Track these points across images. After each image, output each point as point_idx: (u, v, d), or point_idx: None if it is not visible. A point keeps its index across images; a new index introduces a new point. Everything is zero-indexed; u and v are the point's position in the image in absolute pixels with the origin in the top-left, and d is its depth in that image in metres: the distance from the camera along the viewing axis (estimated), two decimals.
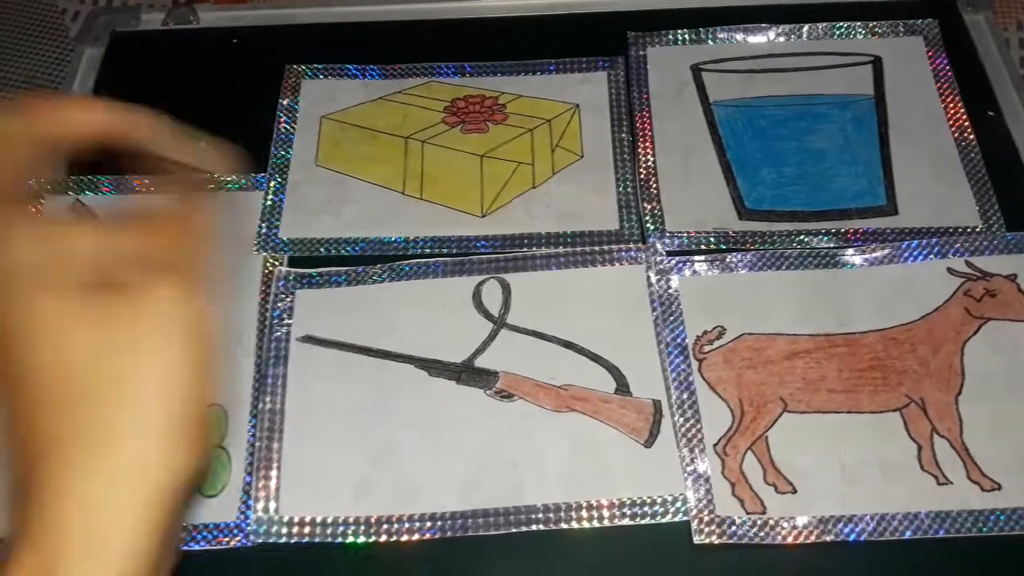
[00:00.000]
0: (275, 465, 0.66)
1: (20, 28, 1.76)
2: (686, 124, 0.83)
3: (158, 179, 0.37)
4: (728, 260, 0.74)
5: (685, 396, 0.67)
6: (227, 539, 0.63)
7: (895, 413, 0.66)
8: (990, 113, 0.83)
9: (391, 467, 0.66)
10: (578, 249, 0.75)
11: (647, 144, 0.82)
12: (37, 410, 0.33)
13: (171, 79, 0.90)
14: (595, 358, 0.70)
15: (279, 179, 0.81)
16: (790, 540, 0.62)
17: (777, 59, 0.87)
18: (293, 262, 0.76)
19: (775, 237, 0.76)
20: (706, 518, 0.62)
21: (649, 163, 0.81)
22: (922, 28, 0.88)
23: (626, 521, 0.63)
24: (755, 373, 0.68)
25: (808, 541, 0.62)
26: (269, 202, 0.79)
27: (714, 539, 0.62)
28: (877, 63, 0.86)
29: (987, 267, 0.72)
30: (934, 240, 0.74)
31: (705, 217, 0.77)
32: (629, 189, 0.79)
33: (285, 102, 0.86)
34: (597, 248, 0.75)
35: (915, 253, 0.73)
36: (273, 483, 0.65)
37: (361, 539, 0.63)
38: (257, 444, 0.66)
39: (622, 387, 0.69)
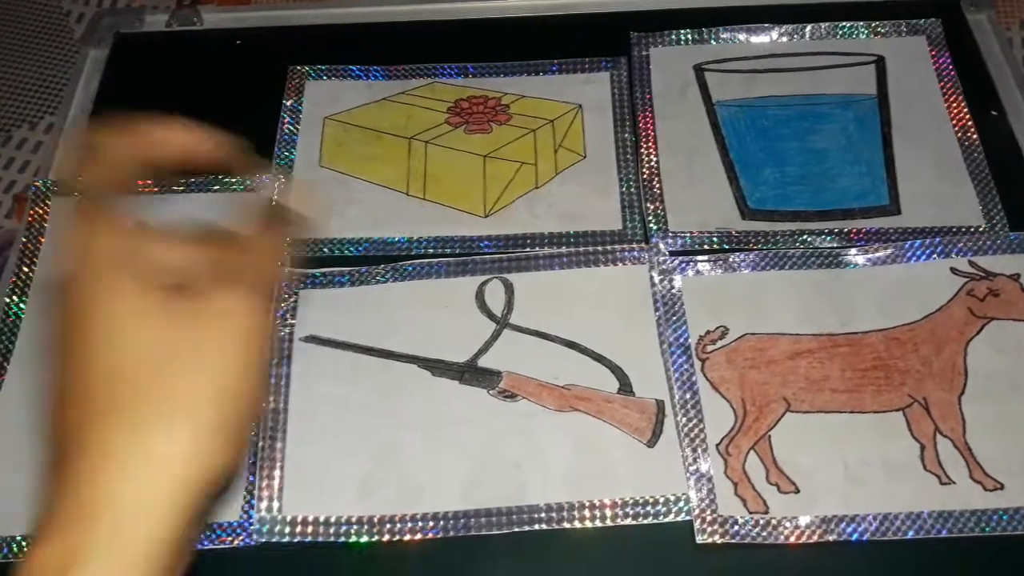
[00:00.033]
0: (278, 465, 0.66)
1: (25, 30, 1.76)
2: (689, 124, 0.83)
3: (248, 205, 0.41)
4: (731, 260, 0.74)
5: (688, 396, 0.67)
6: (230, 538, 0.63)
7: (898, 413, 0.66)
8: (993, 113, 0.83)
9: (394, 467, 0.66)
10: (581, 249, 0.75)
11: (650, 144, 0.82)
12: (90, 392, 0.34)
13: (175, 80, 0.90)
14: (598, 358, 0.70)
15: (283, 180, 0.81)
16: (793, 540, 0.62)
17: (780, 59, 0.87)
18: (296, 262, 0.76)
19: (778, 237, 0.76)
20: (709, 518, 0.62)
21: (652, 163, 0.81)
22: (925, 28, 0.88)
23: (629, 521, 0.63)
24: (758, 373, 0.68)
25: (811, 541, 0.62)
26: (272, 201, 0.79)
27: (717, 539, 0.62)
28: (880, 63, 0.86)
29: (990, 267, 0.72)
30: (937, 240, 0.74)
31: (708, 217, 0.77)
32: (632, 189, 0.79)
33: (289, 103, 0.86)
34: (600, 248, 0.75)
35: (918, 253, 0.73)
36: (276, 483, 0.65)
37: (364, 539, 0.63)
38: (260, 444, 0.66)
39: (625, 387, 0.69)
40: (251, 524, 0.64)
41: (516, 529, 0.63)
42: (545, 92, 0.87)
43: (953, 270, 0.72)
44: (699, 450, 0.65)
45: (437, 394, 0.69)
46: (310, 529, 0.63)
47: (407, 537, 0.63)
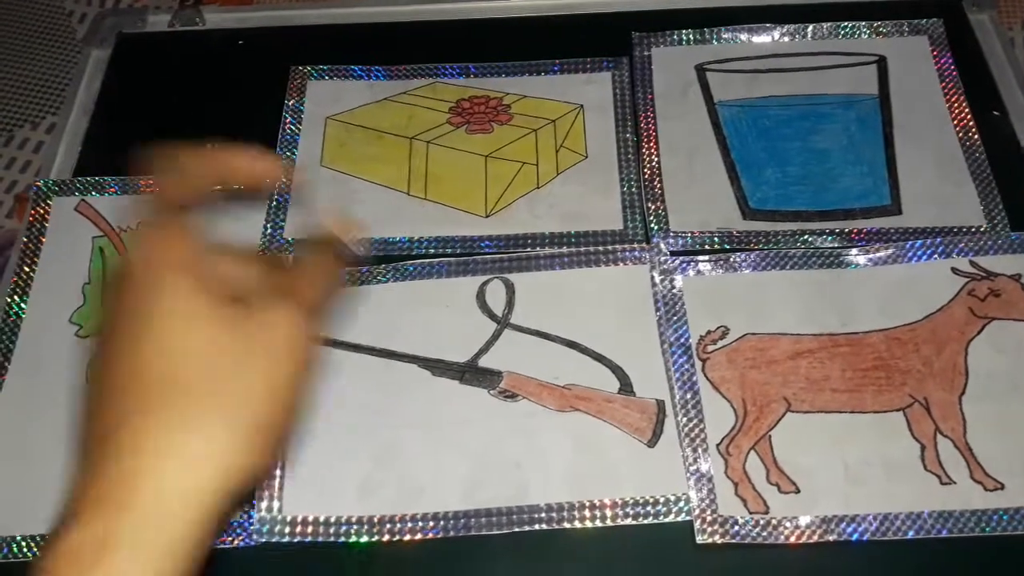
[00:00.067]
0: (278, 464, 0.66)
1: (27, 30, 1.77)
2: (690, 124, 0.83)
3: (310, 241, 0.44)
4: (732, 260, 0.74)
5: (688, 396, 0.67)
6: (230, 538, 0.63)
7: (898, 413, 0.66)
8: (995, 113, 0.82)
9: (394, 467, 0.66)
10: (582, 249, 0.75)
11: (651, 144, 0.82)
12: (137, 382, 0.36)
13: (177, 80, 0.90)
14: (599, 358, 0.70)
15: (284, 180, 0.81)
16: (793, 540, 0.62)
17: (781, 59, 0.87)
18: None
19: (779, 237, 0.76)
20: (709, 518, 0.62)
21: (653, 163, 0.81)
22: (927, 28, 0.88)
23: (629, 521, 0.63)
24: (759, 373, 0.68)
25: (811, 541, 0.62)
26: (274, 202, 0.79)
27: (717, 539, 0.62)
28: (882, 63, 0.86)
29: (991, 267, 0.72)
30: (938, 240, 0.74)
31: (709, 217, 0.77)
32: (633, 189, 0.79)
33: (291, 103, 0.87)
34: (601, 248, 0.75)
35: (919, 253, 0.73)
36: (276, 482, 0.65)
37: (364, 539, 0.63)
38: None
39: (626, 387, 0.69)
40: (251, 524, 0.64)
41: (516, 529, 0.63)
42: (547, 92, 0.87)
43: (954, 270, 0.72)
44: (699, 450, 0.65)
45: (438, 394, 0.69)
46: (310, 529, 0.64)
47: (407, 537, 0.63)
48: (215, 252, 0.40)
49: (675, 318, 0.71)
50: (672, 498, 0.64)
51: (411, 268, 0.75)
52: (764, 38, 0.88)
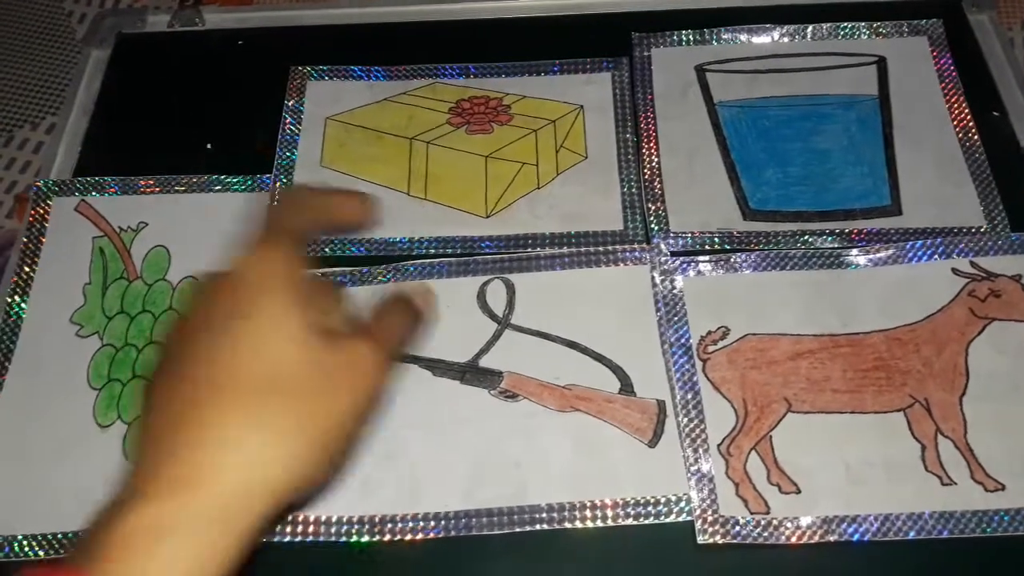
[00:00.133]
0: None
1: (27, 30, 1.76)
2: (690, 125, 0.83)
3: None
4: (732, 260, 0.74)
5: (689, 396, 0.67)
6: None
7: (899, 413, 0.66)
8: (995, 113, 0.83)
9: (395, 466, 0.66)
10: (582, 249, 0.75)
11: (651, 145, 0.82)
12: (220, 379, 0.38)
13: (177, 80, 0.90)
14: (599, 358, 0.70)
15: (284, 180, 0.81)
16: (794, 540, 0.62)
17: (781, 59, 0.87)
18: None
19: (779, 237, 0.76)
20: (710, 518, 0.62)
21: (653, 164, 0.81)
22: (926, 28, 0.88)
23: (630, 521, 0.63)
24: (759, 373, 0.68)
25: (812, 541, 0.62)
26: (276, 202, 0.79)
27: (718, 539, 0.62)
28: (881, 63, 0.86)
29: (991, 267, 0.72)
30: (938, 240, 0.74)
31: (709, 217, 0.77)
32: (633, 190, 0.79)
33: (290, 103, 0.87)
34: (601, 248, 0.75)
35: (919, 253, 0.73)
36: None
37: (365, 538, 0.63)
38: None
39: (626, 387, 0.69)
40: None
41: (517, 529, 0.63)
42: (547, 92, 0.87)
43: (954, 271, 0.72)
44: (700, 450, 0.65)
45: (438, 394, 0.69)
46: (311, 529, 0.63)
47: (408, 537, 0.63)
48: (318, 285, 0.44)
49: (675, 318, 0.71)
50: (673, 498, 0.64)
51: (411, 268, 0.75)
52: (764, 39, 0.88)
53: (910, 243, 0.74)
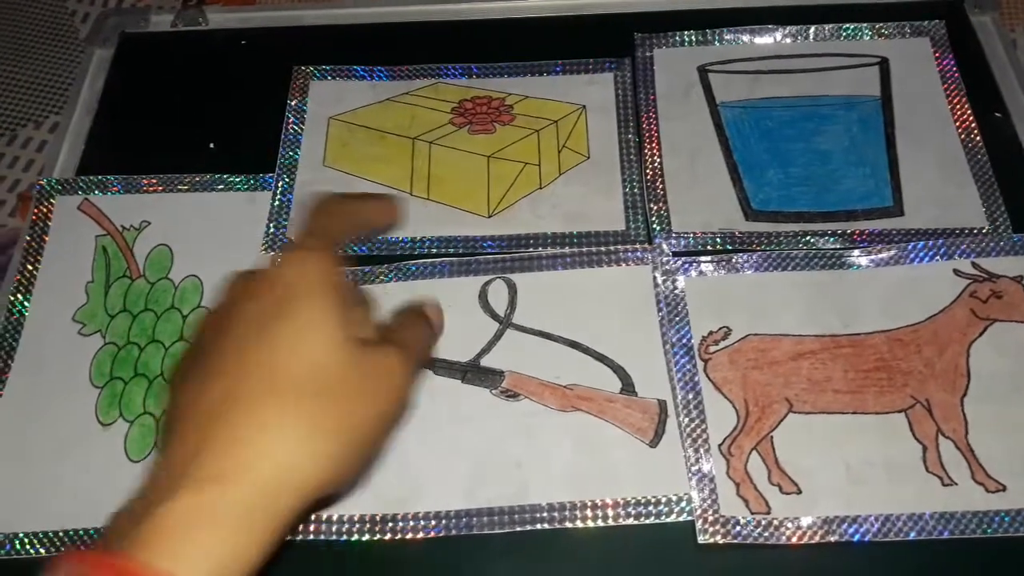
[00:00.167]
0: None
1: (30, 29, 1.77)
2: (693, 125, 0.83)
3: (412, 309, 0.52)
4: (734, 261, 0.74)
5: (690, 396, 0.67)
6: None
7: (900, 414, 0.66)
8: (997, 114, 0.82)
9: (395, 465, 0.66)
10: (584, 249, 0.76)
11: (653, 145, 0.82)
12: (265, 375, 0.40)
13: (180, 80, 0.90)
14: (600, 358, 0.70)
15: (287, 179, 0.81)
16: (794, 540, 0.62)
17: (784, 60, 0.87)
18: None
19: (781, 238, 0.76)
20: (710, 518, 0.63)
21: (655, 164, 0.81)
22: (929, 29, 0.88)
23: (630, 520, 0.63)
24: (760, 374, 0.68)
25: (812, 541, 0.62)
26: (277, 202, 0.79)
27: (718, 539, 0.62)
28: (884, 64, 0.86)
29: (993, 268, 0.72)
30: (940, 241, 0.74)
31: (711, 218, 0.77)
32: (635, 190, 0.79)
33: (293, 103, 0.87)
34: (603, 248, 0.75)
35: (921, 254, 0.73)
36: None
37: (366, 537, 0.63)
38: None
39: (627, 387, 0.69)
40: None
41: (518, 528, 0.63)
42: (549, 93, 0.87)
43: (956, 272, 0.72)
44: (701, 450, 0.65)
45: (439, 393, 0.69)
46: (311, 527, 0.64)
47: (408, 536, 0.63)
48: (356, 293, 0.46)
49: (677, 319, 0.71)
50: (674, 498, 0.64)
51: (413, 268, 0.75)
52: (766, 39, 0.88)
53: (912, 244, 0.74)
